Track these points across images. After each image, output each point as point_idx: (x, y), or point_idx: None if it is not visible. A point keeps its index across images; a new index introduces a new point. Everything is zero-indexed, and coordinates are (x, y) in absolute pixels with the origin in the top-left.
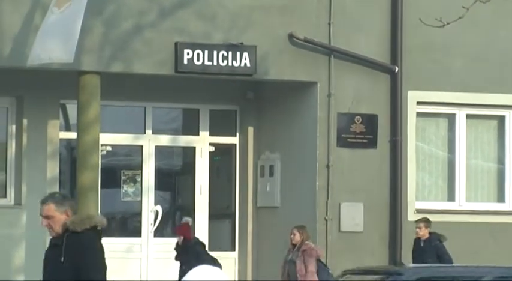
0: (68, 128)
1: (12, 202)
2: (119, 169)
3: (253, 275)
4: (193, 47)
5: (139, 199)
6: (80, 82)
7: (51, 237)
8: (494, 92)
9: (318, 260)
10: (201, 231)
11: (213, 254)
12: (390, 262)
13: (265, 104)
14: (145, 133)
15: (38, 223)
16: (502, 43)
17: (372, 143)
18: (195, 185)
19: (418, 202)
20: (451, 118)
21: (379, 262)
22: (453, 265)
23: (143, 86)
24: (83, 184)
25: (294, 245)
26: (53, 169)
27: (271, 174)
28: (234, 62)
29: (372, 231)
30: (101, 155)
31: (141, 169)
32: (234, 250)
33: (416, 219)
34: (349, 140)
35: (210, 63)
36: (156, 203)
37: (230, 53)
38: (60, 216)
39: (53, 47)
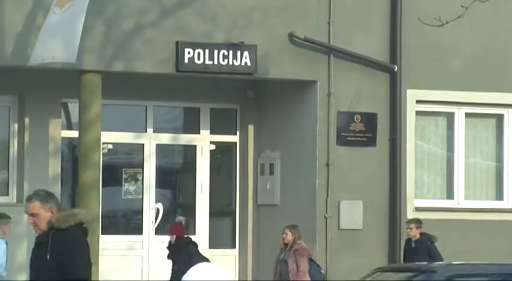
0: (69, 126)
1: (15, 200)
2: (120, 167)
3: (253, 272)
4: (194, 46)
5: (141, 197)
6: (81, 81)
7: (36, 235)
8: (492, 91)
9: (310, 260)
10: (202, 229)
11: (213, 251)
12: (389, 259)
13: (266, 102)
14: (146, 132)
15: None
16: (501, 42)
17: (371, 142)
18: (196, 183)
19: (417, 199)
20: (450, 117)
21: (378, 259)
22: (485, 262)
23: (144, 85)
24: (85, 182)
25: (286, 245)
26: (54, 167)
27: (272, 172)
28: (234, 61)
29: (371, 229)
30: (103, 154)
31: (142, 167)
32: (235, 248)
33: (407, 219)
34: (348, 138)
35: (211, 62)
36: (157, 201)
37: (231, 52)
38: (45, 214)
39: (55, 47)
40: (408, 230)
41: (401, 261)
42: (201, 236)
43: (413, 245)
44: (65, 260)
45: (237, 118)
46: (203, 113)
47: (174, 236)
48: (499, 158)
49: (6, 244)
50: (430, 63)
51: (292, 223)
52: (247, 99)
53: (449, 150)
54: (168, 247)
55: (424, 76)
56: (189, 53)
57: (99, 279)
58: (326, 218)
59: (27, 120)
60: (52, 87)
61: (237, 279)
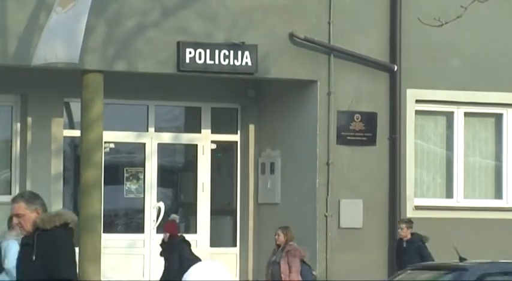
0: (71, 126)
1: None
2: (122, 166)
3: (254, 270)
4: (195, 46)
5: (142, 195)
6: (83, 81)
7: (22, 236)
8: (491, 91)
9: (302, 261)
10: (203, 227)
11: (214, 250)
12: (389, 257)
13: (266, 102)
14: (147, 131)
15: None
16: (500, 42)
17: (371, 141)
18: (197, 182)
19: (416, 198)
20: (449, 116)
21: (378, 258)
22: None
23: (146, 85)
24: (87, 181)
25: (278, 246)
26: (57, 166)
27: (272, 171)
28: (235, 61)
29: (371, 227)
30: (104, 153)
31: (144, 166)
32: (235, 246)
33: (399, 219)
34: (348, 137)
35: (212, 62)
36: (158, 200)
37: (231, 52)
38: (31, 214)
39: (58, 47)
40: (399, 230)
41: (395, 261)
42: (202, 235)
43: (404, 245)
44: (51, 260)
45: (238, 117)
46: (204, 113)
47: (168, 234)
48: (498, 157)
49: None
50: (430, 63)
51: (293, 222)
52: (248, 98)
53: (448, 149)
54: (161, 244)
55: (423, 76)
56: (190, 53)
57: (101, 277)
58: (326, 217)
59: (29, 119)
60: (54, 86)
61: (237, 277)
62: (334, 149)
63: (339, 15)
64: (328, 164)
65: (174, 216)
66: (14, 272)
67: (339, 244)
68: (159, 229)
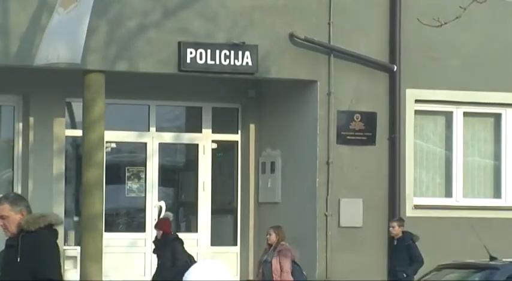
0: (73, 125)
1: None
2: (124, 165)
3: (254, 269)
4: (196, 46)
5: (143, 195)
6: (85, 81)
7: (6, 238)
8: (490, 91)
9: (293, 261)
10: (204, 226)
11: (215, 249)
12: (389, 256)
13: (267, 102)
14: (149, 131)
15: None
16: (498, 42)
17: (371, 141)
18: (198, 182)
19: (416, 197)
20: (449, 116)
21: (378, 257)
22: None
23: (147, 85)
24: (88, 181)
25: (270, 245)
26: (59, 165)
27: (273, 171)
28: (236, 61)
29: (371, 226)
30: (106, 152)
31: (145, 166)
32: (236, 245)
33: (390, 218)
34: (348, 137)
35: (213, 62)
36: (159, 199)
37: (232, 52)
38: (15, 216)
39: (60, 47)
40: (391, 228)
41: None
42: (203, 234)
43: (395, 243)
44: (35, 261)
45: (239, 117)
46: (205, 112)
47: (161, 232)
48: (497, 156)
49: None
50: (429, 63)
51: (293, 221)
52: (249, 98)
53: (447, 149)
54: (154, 242)
55: (423, 76)
56: (191, 53)
57: (102, 276)
58: (326, 216)
59: (31, 119)
60: (56, 86)
61: (238, 276)
62: (334, 148)
63: (339, 15)
64: (328, 163)
65: (167, 214)
66: None
67: (339, 243)
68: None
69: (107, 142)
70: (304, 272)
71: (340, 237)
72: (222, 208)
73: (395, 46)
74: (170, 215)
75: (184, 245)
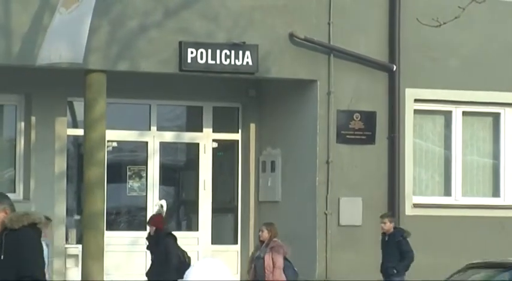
0: (75, 125)
1: (21, 197)
2: (125, 164)
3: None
4: (196, 46)
5: (145, 193)
6: (86, 80)
7: None
8: (489, 90)
9: (284, 258)
10: (205, 225)
11: (216, 247)
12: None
13: (267, 101)
14: (150, 130)
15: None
16: (497, 42)
17: (370, 140)
18: (199, 180)
19: (415, 196)
20: (448, 115)
21: (377, 255)
22: None
23: (148, 84)
24: (90, 179)
25: (262, 242)
26: (60, 164)
27: (273, 169)
28: (236, 60)
29: (371, 225)
30: (107, 151)
31: (146, 165)
32: (237, 243)
33: (381, 214)
34: (348, 136)
35: (213, 62)
36: (160, 198)
37: (233, 52)
38: None
39: (62, 47)
40: (382, 224)
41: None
42: (203, 232)
43: (386, 239)
44: (18, 259)
45: (239, 116)
46: (206, 112)
47: (154, 228)
48: (496, 155)
49: (47, 245)
50: (428, 62)
51: (293, 219)
52: (249, 98)
53: (446, 148)
54: (147, 238)
55: (422, 75)
56: (192, 52)
57: (104, 274)
58: (326, 214)
59: (33, 118)
60: (58, 86)
61: (238, 274)
62: (334, 147)
63: (339, 15)
64: (328, 162)
65: (159, 210)
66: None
67: (339, 242)
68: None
69: (108, 141)
70: (295, 268)
71: (340, 236)
72: (223, 207)
73: (394, 46)
74: (163, 211)
75: (186, 244)
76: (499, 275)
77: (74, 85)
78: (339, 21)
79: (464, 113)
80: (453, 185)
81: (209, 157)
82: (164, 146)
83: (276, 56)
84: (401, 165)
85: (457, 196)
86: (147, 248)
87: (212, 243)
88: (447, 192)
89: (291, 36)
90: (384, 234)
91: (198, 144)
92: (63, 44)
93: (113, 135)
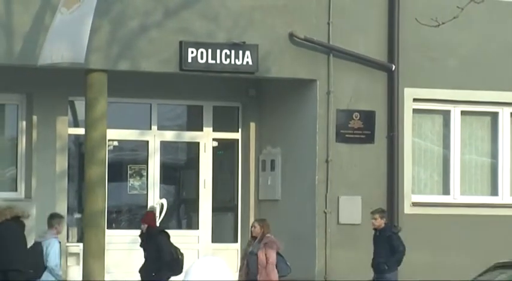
0: (76, 124)
1: (23, 196)
2: (126, 163)
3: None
4: (197, 46)
5: (145, 192)
6: (87, 80)
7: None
8: (487, 89)
9: (277, 253)
10: (205, 223)
11: (216, 246)
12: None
13: (267, 101)
14: (150, 129)
15: (47, 216)
16: (496, 42)
17: (369, 139)
18: (199, 179)
19: (414, 195)
20: (446, 115)
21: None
22: None
23: (149, 84)
24: (91, 178)
25: (254, 238)
26: (62, 163)
27: (273, 168)
28: (236, 60)
29: (370, 223)
30: (108, 150)
31: (147, 164)
32: (237, 242)
33: (372, 210)
34: (347, 135)
35: (214, 61)
36: (161, 197)
37: (233, 51)
38: None
39: (64, 47)
40: (373, 220)
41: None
42: (204, 231)
43: (377, 234)
44: (1, 251)
45: (239, 116)
46: (206, 111)
47: (146, 225)
48: (494, 154)
49: (59, 243)
50: (427, 62)
51: (292, 218)
52: (249, 97)
53: (445, 147)
54: (140, 236)
55: (421, 75)
56: (192, 52)
57: (105, 272)
58: (325, 213)
59: (35, 118)
60: (59, 85)
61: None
62: (333, 146)
63: (338, 15)
64: (327, 161)
65: (152, 207)
66: (57, 270)
67: (338, 240)
68: (162, 225)
69: (109, 140)
70: (288, 263)
71: (339, 234)
72: (223, 205)
73: (393, 46)
74: (155, 208)
75: (187, 242)
76: None
77: (75, 85)
78: (338, 21)
79: (463, 113)
80: (452, 184)
81: (209, 156)
82: (165, 145)
83: (276, 55)
84: (400, 164)
85: (455, 195)
86: (140, 245)
87: (212, 241)
88: (446, 191)
89: (291, 36)
90: (375, 230)
91: (199, 143)
92: (65, 44)
93: (114, 134)
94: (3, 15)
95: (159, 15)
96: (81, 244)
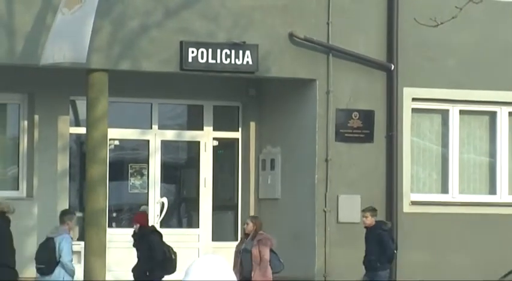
0: (77, 123)
1: (25, 194)
2: (127, 162)
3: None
4: (197, 45)
5: (146, 191)
6: (89, 79)
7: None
8: (485, 89)
9: (270, 250)
10: (205, 222)
11: (216, 244)
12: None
13: (267, 100)
14: (151, 128)
15: (48, 214)
16: (493, 42)
17: (368, 138)
18: (200, 178)
19: (413, 194)
20: (445, 114)
21: None
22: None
23: (149, 83)
24: (92, 177)
25: (247, 235)
26: (63, 162)
27: (272, 167)
28: (236, 60)
29: None
30: (109, 149)
31: (148, 163)
32: (237, 240)
33: (363, 208)
34: (347, 135)
35: (214, 61)
36: (162, 195)
37: (233, 51)
38: None
39: (66, 47)
40: (364, 218)
41: None
42: (204, 229)
43: (368, 232)
44: None
45: (239, 115)
46: (206, 111)
47: (138, 225)
48: (492, 153)
49: (71, 238)
50: (426, 62)
51: (292, 216)
52: (249, 97)
53: (444, 146)
54: (132, 236)
55: (419, 75)
56: (192, 52)
57: (106, 270)
58: (325, 212)
59: (36, 117)
60: (61, 85)
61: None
62: (332, 146)
63: (338, 15)
64: (327, 160)
65: (144, 207)
66: (71, 265)
67: (337, 238)
68: (163, 224)
69: (110, 139)
70: (281, 260)
71: (339, 233)
72: (223, 204)
73: (392, 46)
74: (146, 208)
75: (187, 240)
76: None
77: (76, 84)
78: (337, 21)
79: (461, 112)
80: (450, 183)
81: (210, 155)
82: (165, 144)
83: (276, 55)
84: (399, 163)
85: (454, 194)
86: (133, 245)
87: (213, 240)
88: (444, 190)
89: (291, 36)
90: (366, 228)
91: (199, 142)
92: (67, 44)
93: (115, 133)
94: (5, 15)
95: (160, 15)
96: (82, 243)
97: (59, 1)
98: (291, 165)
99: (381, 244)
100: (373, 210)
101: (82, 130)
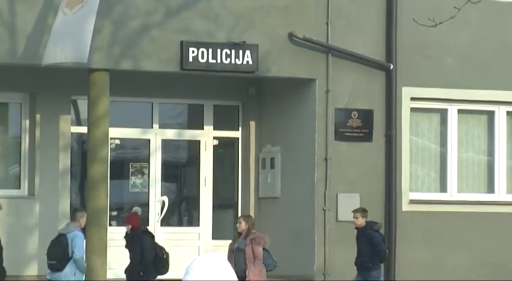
0: (78, 122)
1: (26, 193)
2: (127, 161)
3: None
4: (198, 45)
5: (147, 190)
6: (90, 79)
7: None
8: (484, 88)
9: (263, 248)
10: (205, 221)
11: (216, 242)
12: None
13: (267, 100)
14: (152, 127)
15: (50, 213)
16: (491, 42)
17: (367, 137)
18: (200, 177)
19: (411, 192)
20: (443, 113)
21: None
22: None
23: (150, 83)
24: (93, 176)
25: (239, 234)
26: (64, 161)
27: (272, 166)
28: (236, 60)
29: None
30: (110, 149)
31: (149, 162)
32: None
33: (353, 209)
34: (346, 134)
35: (214, 61)
36: (162, 194)
37: (233, 51)
38: None
39: (67, 47)
40: (354, 219)
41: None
42: (204, 228)
43: (359, 233)
44: None
45: (239, 114)
46: (207, 110)
47: (130, 226)
48: (490, 152)
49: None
50: (424, 62)
51: (292, 215)
52: (249, 96)
53: (442, 145)
54: (124, 237)
55: (418, 74)
56: (193, 52)
57: (107, 268)
58: (324, 210)
59: (38, 116)
60: (62, 85)
61: None
62: (332, 145)
63: (337, 15)
64: (326, 159)
65: (136, 208)
66: (83, 261)
67: (337, 237)
68: (163, 222)
69: (111, 139)
70: (273, 258)
71: (338, 231)
72: (223, 203)
73: (391, 45)
74: (138, 209)
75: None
76: None
77: (77, 84)
78: (337, 21)
79: (460, 111)
80: (449, 182)
81: (210, 154)
82: (166, 144)
83: (276, 55)
84: (398, 162)
85: (452, 192)
86: (126, 246)
87: (213, 238)
88: (443, 188)
89: (290, 36)
90: (356, 229)
91: (199, 141)
92: (68, 44)
93: (116, 132)
94: (6, 15)
95: (160, 15)
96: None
97: (60, 1)
98: (291, 164)
99: (372, 244)
100: (363, 211)
101: (83, 129)
